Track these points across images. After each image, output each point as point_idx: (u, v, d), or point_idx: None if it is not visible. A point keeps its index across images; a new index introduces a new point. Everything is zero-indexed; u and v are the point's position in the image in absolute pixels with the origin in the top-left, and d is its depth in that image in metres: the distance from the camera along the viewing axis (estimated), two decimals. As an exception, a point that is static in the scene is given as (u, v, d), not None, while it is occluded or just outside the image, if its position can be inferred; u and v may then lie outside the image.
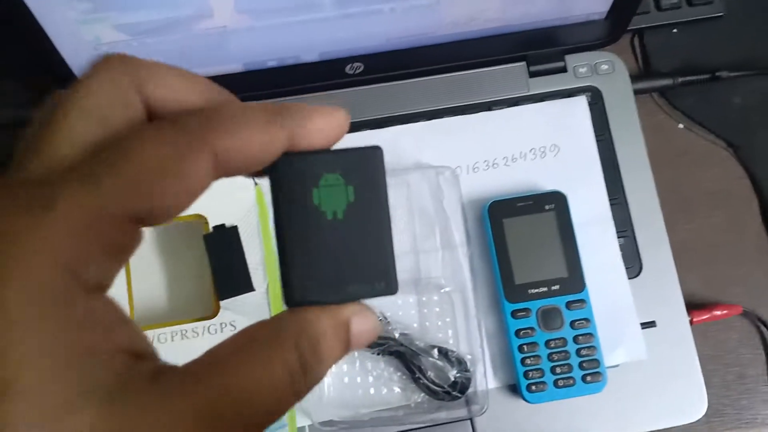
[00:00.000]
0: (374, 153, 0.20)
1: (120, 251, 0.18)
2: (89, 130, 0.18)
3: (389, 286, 0.20)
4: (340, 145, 0.20)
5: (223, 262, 0.41)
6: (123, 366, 0.17)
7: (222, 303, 0.41)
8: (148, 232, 0.42)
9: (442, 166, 0.47)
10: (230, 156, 0.18)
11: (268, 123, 0.18)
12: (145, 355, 0.18)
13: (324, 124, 0.19)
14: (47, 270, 0.16)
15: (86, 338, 0.16)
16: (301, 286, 0.20)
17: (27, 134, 0.18)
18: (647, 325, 0.47)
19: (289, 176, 0.19)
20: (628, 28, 0.51)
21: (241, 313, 0.41)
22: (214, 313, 0.40)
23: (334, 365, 0.19)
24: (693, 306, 0.49)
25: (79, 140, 0.17)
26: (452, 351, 0.43)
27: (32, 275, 0.16)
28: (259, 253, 0.42)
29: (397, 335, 0.43)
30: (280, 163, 0.19)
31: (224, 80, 0.45)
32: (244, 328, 0.18)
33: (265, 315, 0.41)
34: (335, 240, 0.20)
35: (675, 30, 0.54)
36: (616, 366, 0.46)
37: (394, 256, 0.20)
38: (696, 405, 0.47)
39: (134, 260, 0.41)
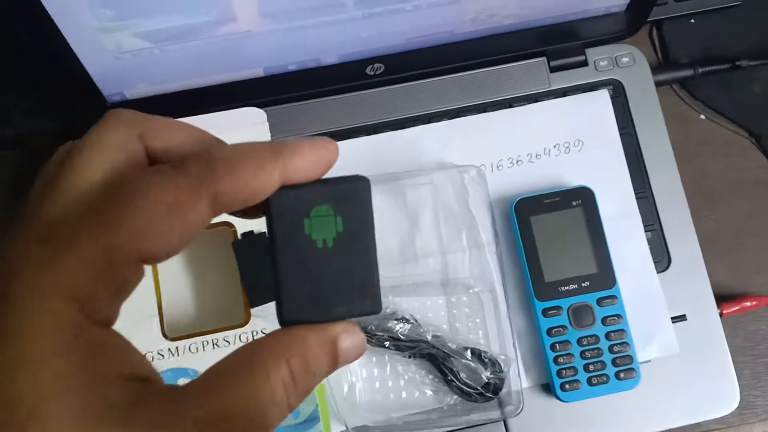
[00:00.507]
0: (362, 184, 0.22)
1: (125, 288, 0.19)
2: (99, 174, 0.20)
3: (373, 306, 0.22)
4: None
5: (252, 269, 0.40)
6: (134, 388, 0.18)
7: (253, 311, 0.40)
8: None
9: (467, 165, 0.46)
10: (228, 196, 0.19)
11: (263, 164, 0.20)
12: (151, 378, 0.20)
13: (315, 159, 0.21)
14: (62, 306, 0.18)
15: (99, 365, 0.18)
16: (292, 307, 0.21)
17: (40, 177, 0.20)
18: (678, 318, 0.47)
19: (283, 209, 0.21)
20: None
21: (273, 321, 0.40)
22: (245, 321, 0.40)
23: (323, 379, 0.21)
24: (721, 297, 0.48)
25: (90, 184, 0.19)
26: (485, 352, 0.43)
27: (49, 310, 0.18)
28: (288, 259, 0.41)
29: (429, 337, 0.42)
30: (274, 197, 0.21)
31: (246, 85, 0.45)
32: (242, 346, 0.20)
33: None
34: (324, 265, 0.22)
35: (692, 20, 0.54)
36: (648, 361, 0.46)
37: (378, 279, 0.22)
38: (728, 398, 0.46)
39: (163, 270, 0.41)
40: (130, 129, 0.21)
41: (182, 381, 0.39)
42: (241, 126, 0.42)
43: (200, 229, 0.20)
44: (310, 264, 0.22)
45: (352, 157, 0.47)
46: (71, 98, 0.43)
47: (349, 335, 0.22)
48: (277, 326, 0.36)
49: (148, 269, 0.38)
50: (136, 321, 0.40)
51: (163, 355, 0.40)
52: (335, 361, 0.21)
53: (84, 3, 0.35)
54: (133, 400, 0.18)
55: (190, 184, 0.19)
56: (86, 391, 0.17)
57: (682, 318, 0.47)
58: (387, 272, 0.45)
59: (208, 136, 0.22)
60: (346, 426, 0.42)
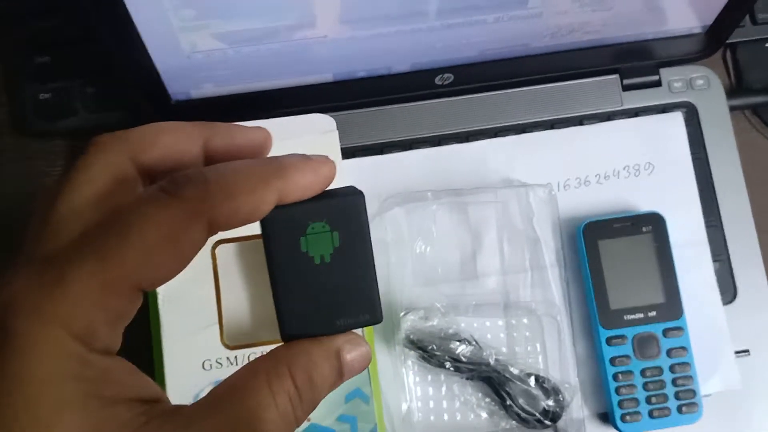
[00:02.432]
0: (357, 200, 0.22)
1: (123, 317, 0.20)
2: (90, 203, 0.20)
3: (374, 317, 0.23)
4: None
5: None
6: (142, 410, 0.19)
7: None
8: (234, 248, 0.41)
9: (535, 184, 0.45)
10: (223, 221, 0.20)
11: (259, 187, 0.20)
12: (158, 399, 0.20)
13: (312, 179, 0.21)
14: (64, 338, 0.18)
15: (107, 391, 0.19)
16: (293, 323, 0.22)
17: (35, 212, 0.20)
18: (741, 353, 0.45)
19: (279, 227, 0.21)
20: (722, 42, 0.49)
21: (334, 335, 0.39)
22: (306, 335, 0.39)
23: (330, 391, 0.22)
24: (784, 333, 0.47)
25: (82, 214, 0.20)
26: (548, 380, 0.42)
27: (52, 343, 0.18)
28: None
29: (492, 361, 0.41)
30: (268, 218, 0.21)
31: (313, 90, 0.44)
32: (247, 363, 0.21)
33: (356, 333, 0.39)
34: (323, 280, 0.22)
35: (767, 44, 0.52)
36: (709, 395, 0.44)
37: (378, 290, 0.23)
38: (789, 436, 0.45)
39: (224, 277, 0.40)
40: (119, 154, 0.21)
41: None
42: (311, 132, 0.41)
43: (196, 253, 0.20)
44: (308, 280, 0.22)
45: (415, 167, 0.46)
46: (136, 94, 0.42)
47: (352, 346, 0.22)
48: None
49: (208, 276, 0.36)
50: (196, 327, 0.39)
51: (221, 364, 0.39)
52: (341, 373, 0.22)
53: (165, 1, 0.34)
54: (142, 420, 0.19)
55: (185, 212, 0.19)
56: (98, 414, 0.18)
57: (745, 352, 0.46)
58: (447, 290, 0.44)
59: (202, 129, 0.22)
60: (402, 446, 0.42)
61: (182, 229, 0.19)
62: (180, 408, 0.20)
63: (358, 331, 0.23)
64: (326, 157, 0.22)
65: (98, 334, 0.19)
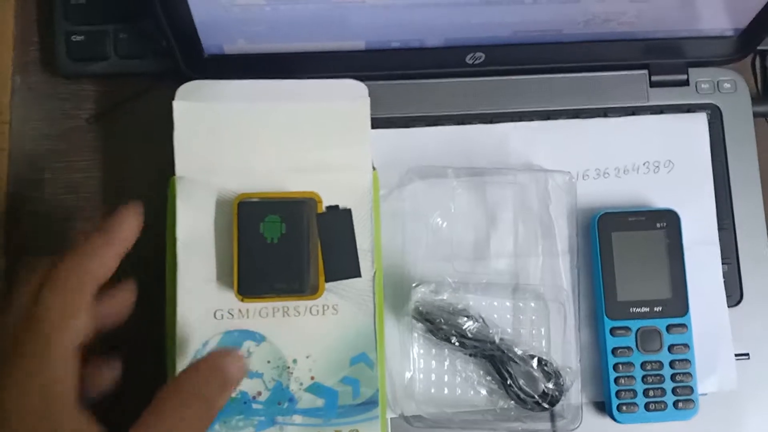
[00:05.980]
0: (301, 204, 0.37)
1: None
2: None
3: (301, 287, 0.37)
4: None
5: (332, 244, 0.39)
6: None
7: (327, 285, 0.39)
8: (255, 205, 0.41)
9: (556, 171, 0.45)
10: None
11: None
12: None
13: None
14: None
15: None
16: (246, 283, 0.37)
17: None
18: (740, 356, 0.46)
19: (247, 213, 0.37)
20: (753, 48, 0.49)
21: (345, 297, 0.40)
22: (318, 294, 0.39)
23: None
24: (785, 341, 0.47)
25: None
26: (550, 363, 0.42)
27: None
28: (370, 239, 0.40)
29: (497, 339, 0.42)
30: (241, 207, 0.37)
31: (344, 57, 0.44)
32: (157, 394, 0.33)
33: (368, 303, 0.40)
34: (271, 255, 0.36)
35: (798, 55, 0.52)
36: (705, 394, 0.45)
37: (308, 267, 0.37)
38: (780, 442, 0.46)
39: (242, 231, 0.40)
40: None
41: (247, 344, 0.39)
42: (342, 98, 0.41)
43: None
44: (261, 253, 0.36)
45: (438, 144, 0.46)
46: (170, 44, 0.42)
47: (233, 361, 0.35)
48: (361, 305, 0.42)
49: (228, 229, 0.40)
50: (212, 277, 0.39)
51: (232, 315, 0.39)
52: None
53: (211, -51, 0.34)
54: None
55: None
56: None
57: (744, 356, 0.46)
58: (459, 267, 0.45)
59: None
60: (402, 413, 0.42)
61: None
62: None
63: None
64: None
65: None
